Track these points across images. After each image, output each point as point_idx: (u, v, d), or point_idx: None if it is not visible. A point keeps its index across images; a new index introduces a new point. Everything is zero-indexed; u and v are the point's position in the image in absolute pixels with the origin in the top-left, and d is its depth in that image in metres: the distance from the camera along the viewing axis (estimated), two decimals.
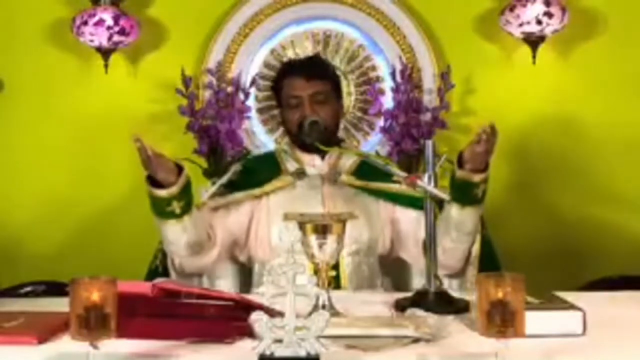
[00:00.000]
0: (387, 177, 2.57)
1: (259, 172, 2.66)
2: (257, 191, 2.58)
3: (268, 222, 2.55)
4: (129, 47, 3.83)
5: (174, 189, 2.29)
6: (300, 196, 2.56)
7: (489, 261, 2.45)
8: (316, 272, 1.98)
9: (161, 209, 2.32)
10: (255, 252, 2.58)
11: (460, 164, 2.25)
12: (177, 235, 2.37)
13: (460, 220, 2.32)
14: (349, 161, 2.64)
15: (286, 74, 2.65)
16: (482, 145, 2.17)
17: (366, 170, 2.60)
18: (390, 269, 2.64)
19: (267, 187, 2.59)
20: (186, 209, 2.33)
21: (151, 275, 2.53)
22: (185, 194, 2.32)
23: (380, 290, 2.55)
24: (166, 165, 2.29)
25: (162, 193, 2.29)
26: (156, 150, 2.26)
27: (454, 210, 2.31)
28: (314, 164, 2.62)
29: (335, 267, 2.40)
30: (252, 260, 2.61)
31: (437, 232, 2.37)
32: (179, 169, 2.32)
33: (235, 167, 2.72)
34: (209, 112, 3.77)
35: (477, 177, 2.24)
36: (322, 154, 2.60)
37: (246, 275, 2.67)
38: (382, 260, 2.61)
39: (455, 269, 2.47)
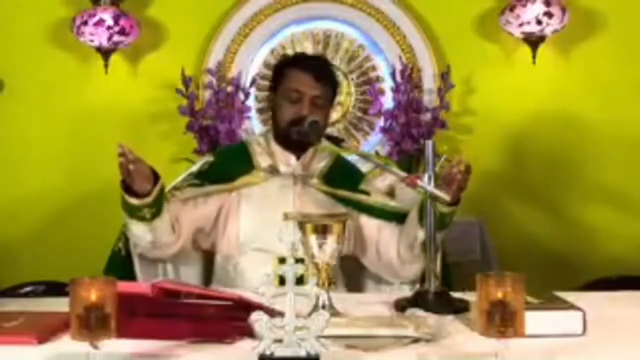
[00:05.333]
0: (354, 186, 2.58)
1: (230, 165, 2.62)
2: (227, 186, 2.56)
3: (238, 217, 2.54)
4: (129, 47, 3.84)
5: (148, 200, 2.29)
6: (271, 194, 2.54)
7: (444, 284, 2.45)
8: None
9: (131, 213, 2.33)
10: (221, 245, 2.56)
11: None
12: (142, 233, 2.38)
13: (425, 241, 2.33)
14: (320, 164, 2.62)
15: (295, 66, 2.60)
16: (455, 183, 2.21)
17: (336, 176, 2.60)
18: (345, 270, 2.63)
19: (238, 182, 2.57)
20: (156, 214, 2.33)
21: (114, 257, 2.51)
22: (158, 202, 2.32)
23: (341, 290, 2.55)
24: (143, 172, 2.28)
25: (135, 202, 2.29)
26: (135, 155, 2.24)
27: (420, 233, 2.32)
28: (288, 162, 2.59)
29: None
30: (215, 250, 2.59)
31: (399, 243, 2.47)
32: (155, 174, 2.31)
33: (207, 158, 2.68)
34: (209, 112, 3.77)
35: (448, 209, 2.29)
36: (298, 154, 2.59)
37: (210, 264, 2.64)
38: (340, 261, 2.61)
39: (411, 280, 2.50)
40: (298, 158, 2.59)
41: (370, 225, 2.57)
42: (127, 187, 2.30)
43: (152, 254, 2.47)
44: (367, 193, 2.60)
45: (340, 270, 2.58)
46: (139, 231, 2.37)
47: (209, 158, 2.66)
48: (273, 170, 2.57)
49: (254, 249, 2.46)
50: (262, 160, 2.59)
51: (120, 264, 2.48)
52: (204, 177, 2.57)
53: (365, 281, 2.66)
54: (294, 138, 2.50)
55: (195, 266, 2.62)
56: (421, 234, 2.33)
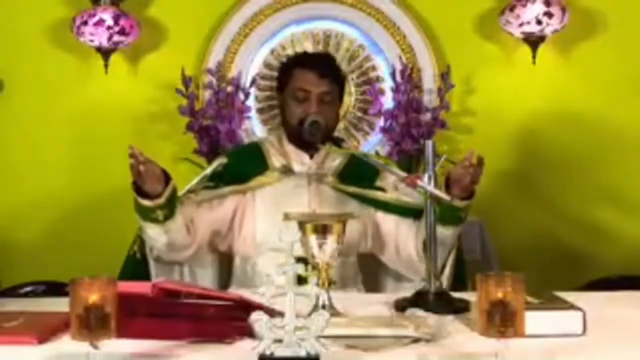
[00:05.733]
0: (370, 183, 2.58)
1: (244, 165, 2.62)
2: (241, 187, 2.56)
3: (253, 218, 2.54)
4: (129, 47, 3.83)
5: (160, 201, 2.28)
6: (286, 194, 2.54)
7: (457, 280, 2.45)
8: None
9: (144, 215, 2.33)
10: (238, 246, 2.56)
11: (447, 184, 2.27)
12: (157, 235, 2.37)
13: (442, 237, 2.33)
14: (335, 162, 2.62)
15: (299, 65, 2.61)
16: (467, 176, 2.23)
17: (351, 174, 2.59)
18: (363, 269, 2.63)
19: (253, 183, 2.57)
20: (169, 215, 2.33)
21: (129, 261, 2.51)
22: (170, 203, 2.31)
23: (360, 288, 2.55)
24: (154, 173, 2.27)
25: (148, 203, 2.29)
26: (146, 156, 2.23)
27: (437, 228, 2.32)
28: (302, 161, 2.60)
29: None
30: (233, 252, 2.59)
31: (417, 241, 2.46)
32: (166, 175, 2.31)
33: (220, 160, 2.69)
34: (209, 112, 3.77)
35: (461, 204, 2.30)
36: (311, 153, 2.59)
37: (227, 266, 2.64)
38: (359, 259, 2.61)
39: None
40: (311, 157, 2.59)
41: (387, 221, 2.57)
42: (139, 189, 2.29)
43: (168, 256, 2.47)
44: (383, 190, 2.60)
45: (359, 268, 2.59)
46: (153, 233, 2.37)
47: (223, 160, 2.66)
48: (287, 170, 2.58)
49: (271, 249, 2.46)
50: (276, 161, 2.60)
51: (136, 268, 2.48)
52: (219, 179, 2.58)
53: (385, 279, 2.65)
54: (309, 141, 2.51)
55: (211, 268, 2.62)
56: (437, 229, 2.32)
